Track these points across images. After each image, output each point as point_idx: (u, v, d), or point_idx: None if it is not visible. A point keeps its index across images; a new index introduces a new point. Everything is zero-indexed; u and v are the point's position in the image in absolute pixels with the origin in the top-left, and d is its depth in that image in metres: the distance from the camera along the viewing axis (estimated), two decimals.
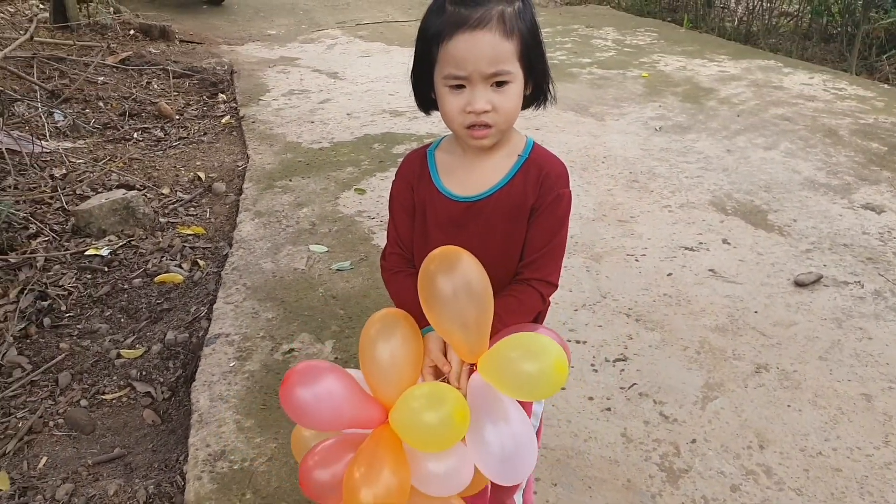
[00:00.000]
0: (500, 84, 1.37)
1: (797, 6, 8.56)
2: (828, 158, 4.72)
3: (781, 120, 5.40)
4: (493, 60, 1.34)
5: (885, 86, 6.34)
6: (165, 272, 3.48)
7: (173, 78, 6.24)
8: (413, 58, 1.47)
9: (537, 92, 1.49)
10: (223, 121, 5.50)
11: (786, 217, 3.97)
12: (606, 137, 5.05)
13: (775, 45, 7.78)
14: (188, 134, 5.24)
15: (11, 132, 4.42)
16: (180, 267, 3.54)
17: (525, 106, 1.50)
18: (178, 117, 5.49)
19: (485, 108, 1.37)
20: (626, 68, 6.71)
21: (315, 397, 1.34)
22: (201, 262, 3.58)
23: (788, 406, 2.61)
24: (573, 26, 8.19)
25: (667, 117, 5.46)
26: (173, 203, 4.18)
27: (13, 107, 5.04)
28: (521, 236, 1.51)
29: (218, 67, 6.61)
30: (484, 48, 1.33)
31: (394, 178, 1.59)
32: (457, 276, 1.32)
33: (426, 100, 1.51)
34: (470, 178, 1.50)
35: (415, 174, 1.54)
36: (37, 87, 5.35)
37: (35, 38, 6.10)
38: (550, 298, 1.61)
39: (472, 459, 1.37)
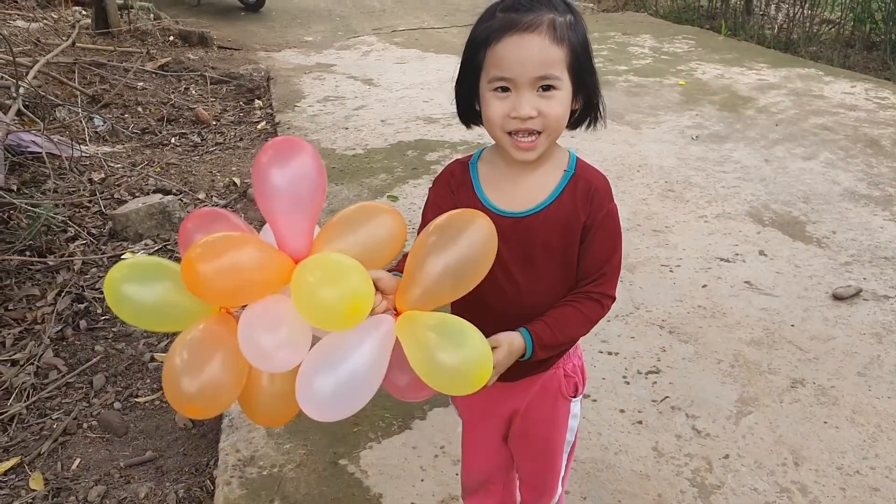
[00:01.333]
0: (546, 89, 1.34)
1: (839, 13, 8.43)
2: (869, 169, 4.63)
3: (821, 129, 5.31)
4: (541, 64, 1.32)
5: None
6: None
7: (211, 84, 6.31)
8: (458, 66, 1.45)
9: (587, 109, 1.45)
10: (259, 127, 5.55)
11: (825, 229, 3.90)
12: (642, 146, 5.01)
13: (816, 54, 7.66)
14: (224, 139, 5.29)
15: (52, 136, 4.50)
16: None
17: (574, 125, 1.47)
18: (214, 123, 5.55)
19: (530, 113, 1.34)
20: (663, 76, 6.65)
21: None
22: None
23: (825, 422, 2.55)
24: (610, 33, 8.14)
25: (704, 126, 5.40)
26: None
27: (54, 111, 5.13)
28: (571, 253, 1.47)
29: (255, 74, 6.67)
30: (532, 51, 1.31)
31: (432, 185, 1.56)
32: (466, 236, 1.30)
33: (469, 111, 1.48)
34: (515, 193, 1.46)
35: (456, 184, 1.50)
36: (78, 93, 5.45)
37: (77, 44, 6.21)
38: None
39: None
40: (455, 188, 1.50)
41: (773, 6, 9.16)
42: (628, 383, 2.74)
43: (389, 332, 1.27)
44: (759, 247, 3.73)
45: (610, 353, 2.90)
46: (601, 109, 1.47)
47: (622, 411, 2.60)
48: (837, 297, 3.30)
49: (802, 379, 2.78)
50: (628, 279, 3.40)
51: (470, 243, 1.28)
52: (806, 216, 4.04)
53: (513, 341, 1.39)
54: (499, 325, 1.49)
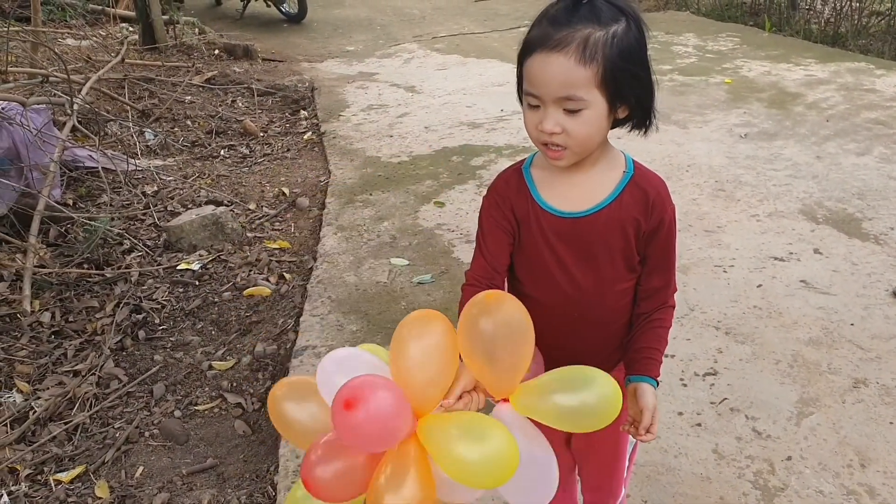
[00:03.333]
0: (571, 109, 1.33)
1: (889, 5, 8.24)
2: None
3: (874, 124, 5.20)
4: (563, 85, 1.30)
5: None
6: (254, 285, 3.56)
7: (257, 96, 6.40)
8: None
9: (635, 115, 1.42)
10: (305, 137, 5.61)
11: (882, 225, 3.82)
12: (690, 145, 4.96)
13: (865, 47, 7.50)
14: (272, 150, 5.36)
15: (106, 151, 4.60)
16: (268, 280, 3.62)
17: (631, 129, 1.46)
18: (262, 134, 5.63)
19: (553, 129, 1.33)
20: (709, 74, 6.58)
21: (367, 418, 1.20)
22: (287, 276, 3.65)
23: (891, 423, 2.50)
24: (652, 33, 7.97)
25: (752, 124, 5.32)
26: (259, 218, 4.28)
27: (107, 127, 5.25)
28: (631, 255, 1.48)
29: (299, 85, 6.75)
30: (555, 72, 1.29)
31: (486, 194, 1.56)
32: (498, 316, 1.29)
33: None
34: (573, 193, 1.46)
35: (512, 191, 1.50)
36: (128, 108, 5.57)
37: (126, 61, 6.34)
38: None
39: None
40: (513, 200, 1.50)
41: (818, 0, 9.00)
42: (686, 385, 2.71)
43: (516, 416, 1.33)
44: (814, 245, 3.66)
45: (666, 356, 2.85)
46: (652, 116, 1.44)
47: (680, 414, 2.57)
48: None
49: (865, 379, 2.72)
50: (682, 281, 3.37)
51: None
52: (861, 213, 3.96)
53: (646, 393, 1.47)
54: (562, 329, 1.49)
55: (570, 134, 1.33)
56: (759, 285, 3.35)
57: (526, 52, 1.35)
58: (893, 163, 4.55)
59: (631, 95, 1.37)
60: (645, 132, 1.46)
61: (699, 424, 2.52)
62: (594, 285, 1.47)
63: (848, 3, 8.25)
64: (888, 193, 4.15)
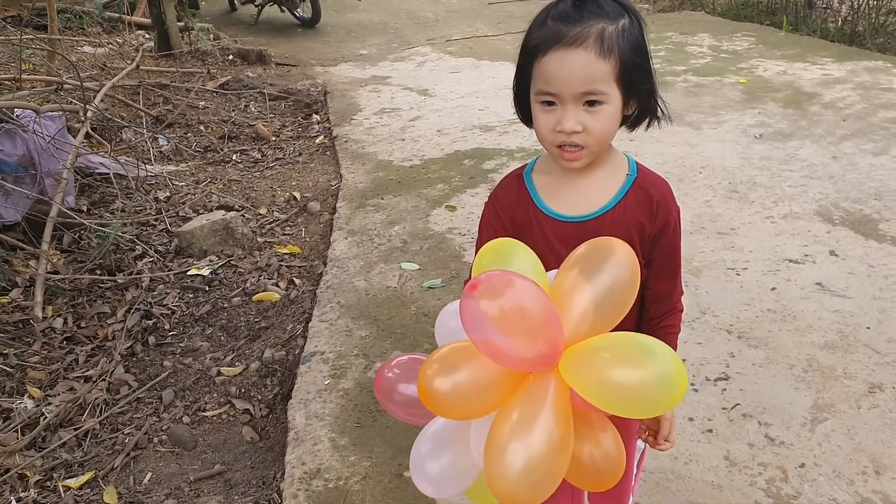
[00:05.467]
0: (591, 104, 1.31)
1: None
2: None
3: (892, 123, 5.13)
4: (586, 80, 1.29)
5: None
6: (263, 291, 3.56)
7: (270, 100, 6.42)
8: (515, 70, 1.44)
9: (643, 112, 1.43)
10: (317, 141, 5.62)
11: None
12: (704, 146, 4.91)
13: (883, 45, 7.41)
14: (284, 155, 5.37)
15: (119, 158, 4.62)
16: (277, 286, 3.62)
17: (632, 127, 1.45)
18: (274, 139, 5.64)
19: (574, 128, 1.32)
20: (723, 75, 6.52)
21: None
22: (297, 281, 3.65)
23: None
24: (667, 33, 8.01)
25: (767, 124, 5.27)
26: (270, 223, 4.28)
27: (121, 133, 5.27)
28: (637, 256, 1.46)
29: (312, 89, 6.76)
30: (576, 67, 1.28)
31: (487, 202, 1.55)
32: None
33: (527, 113, 1.47)
34: (576, 198, 1.45)
35: (512, 199, 1.49)
36: (142, 114, 5.59)
37: (141, 67, 6.38)
38: None
39: None
40: (513, 209, 1.49)
41: None
42: (697, 390, 2.68)
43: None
44: (830, 247, 3.61)
45: None
46: (661, 109, 1.44)
47: (691, 420, 2.53)
48: None
49: (881, 384, 2.68)
50: (693, 283, 3.33)
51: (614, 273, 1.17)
52: (879, 214, 3.90)
53: None
54: None
55: (590, 131, 1.32)
56: (774, 288, 3.30)
57: (536, 52, 1.32)
58: None
59: (642, 89, 1.37)
60: (658, 124, 1.45)
61: (710, 430, 2.48)
62: None
63: (865, 1, 8.15)
64: None
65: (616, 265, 1.17)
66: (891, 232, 3.71)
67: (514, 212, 1.47)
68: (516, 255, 1.23)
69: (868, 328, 3.00)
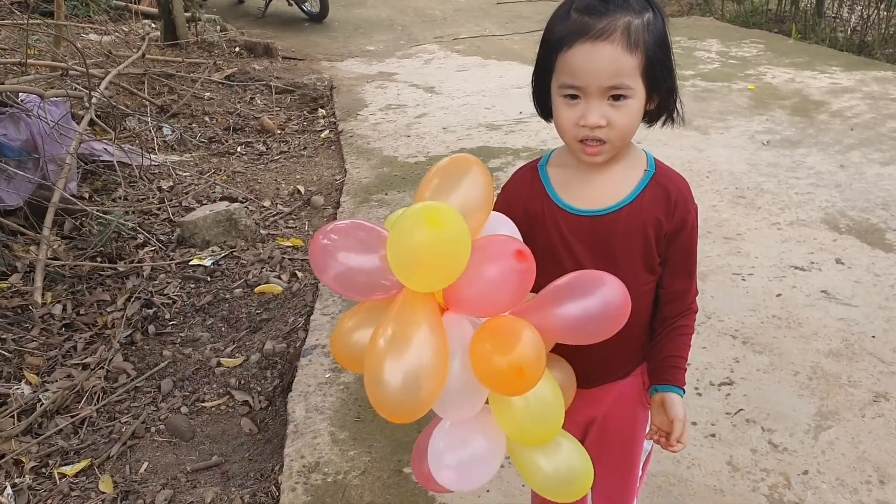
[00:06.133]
0: (616, 98, 1.30)
1: None
2: None
3: None
4: (613, 74, 1.27)
5: None
6: (265, 283, 3.54)
7: (275, 94, 6.39)
8: (535, 63, 1.41)
9: (662, 109, 1.41)
10: (322, 135, 5.60)
11: None
12: (711, 151, 4.89)
13: (893, 56, 7.39)
14: (289, 148, 5.35)
15: (123, 146, 4.59)
16: (279, 278, 3.60)
17: (650, 123, 1.43)
18: (279, 132, 5.62)
19: (599, 122, 1.30)
20: (731, 80, 6.50)
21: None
22: (300, 274, 3.63)
23: None
24: (675, 38, 7.88)
25: (775, 131, 5.24)
26: (274, 215, 4.26)
27: (125, 121, 5.25)
28: (651, 255, 1.45)
29: (318, 83, 6.74)
30: (603, 61, 1.26)
31: (499, 193, 1.53)
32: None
33: (546, 107, 1.44)
34: (592, 192, 1.42)
35: (526, 191, 1.46)
36: (147, 103, 5.57)
37: (146, 56, 6.35)
38: None
39: None
40: (526, 201, 1.46)
41: (845, 8, 8.88)
42: (700, 395, 2.66)
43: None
44: (836, 255, 3.59)
45: None
46: (679, 108, 1.42)
47: (695, 424, 2.51)
48: None
49: (886, 393, 2.66)
50: (700, 288, 3.28)
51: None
52: (885, 223, 3.88)
53: (675, 404, 1.45)
54: None
55: (614, 126, 1.31)
56: (779, 294, 3.28)
57: (560, 45, 1.30)
58: None
59: (664, 86, 1.36)
60: (673, 123, 1.45)
61: (713, 435, 2.46)
62: None
63: (875, 11, 8.13)
64: None
65: (473, 183, 1.24)
66: None
67: (527, 204, 1.45)
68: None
69: (873, 337, 2.98)
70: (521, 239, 1.28)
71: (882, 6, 8.10)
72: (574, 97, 1.31)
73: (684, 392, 1.47)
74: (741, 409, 2.58)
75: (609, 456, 1.65)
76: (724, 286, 3.34)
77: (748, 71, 6.80)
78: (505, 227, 1.33)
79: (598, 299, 1.21)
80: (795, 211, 4.04)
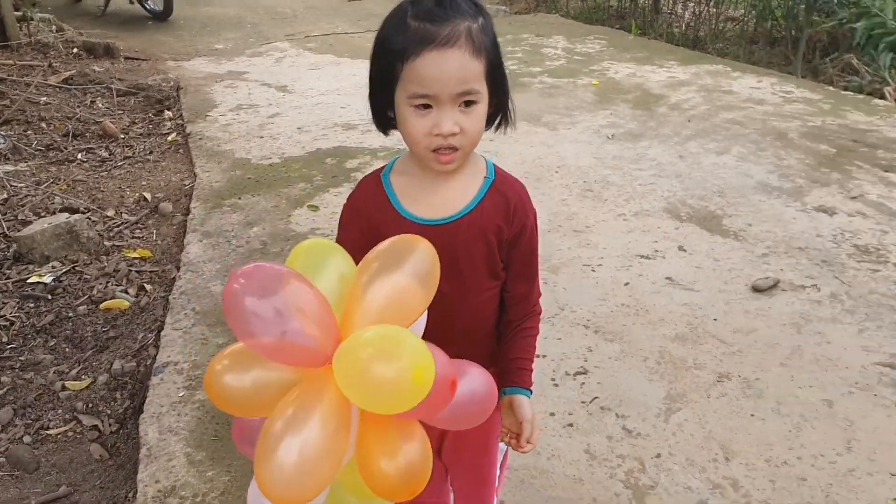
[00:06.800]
0: (468, 104, 1.31)
1: (742, 11, 8.67)
2: (779, 161, 4.76)
3: (732, 124, 5.44)
4: (463, 80, 1.28)
5: (830, 88, 6.43)
6: (111, 298, 3.36)
7: (118, 96, 6.08)
8: (370, 75, 1.39)
9: (497, 112, 1.43)
10: (169, 138, 5.37)
11: (740, 222, 3.98)
12: (559, 147, 5.04)
13: (723, 50, 7.87)
14: (133, 153, 5.10)
15: None
16: (126, 293, 3.42)
17: (487, 126, 1.45)
18: (123, 136, 5.34)
19: (453, 129, 1.30)
20: (577, 76, 6.72)
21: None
22: (148, 287, 3.47)
23: (752, 415, 2.59)
24: (523, 35, 8.18)
25: (618, 125, 5.47)
26: (119, 225, 4.05)
27: None
28: (495, 261, 1.47)
29: (164, 84, 6.47)
30: (454, 67, 1.26)
31: (345, 203, 1.51)
32: None
33: (384, 119, 1.43)
34: (435, 201, 1.43)
35: (370, 201, 1.45)
36: None
37: None
38: None
39: None
40: (371, 212, 1.45)
41: (679, 5, 9.38)
42: (557, 385, 2.73)
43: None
44: (678, 242, 3.78)
45: (537, 356, 2.86)
46: (511, 111, 1.45)
47: (552, 414, 2.58)
48: (757, 290, 3.36)
49: (728, 373, 2.82)
50: (552, 280, 3.40)
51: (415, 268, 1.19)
52: (722, 210, 4.12)
53: (523, 405, 1.49)
54: (427, 337, 1.45)
55: (466, 132, 1.32)
56: (627, 283, 3.42)
57: (405, 55, 1.28)
58: (750, 162, 4.77)
59: (501, 88, 1.38)
60: (505, 128, 1.47)
61: (571, 425, 2.54)
62: (458, 293, 1.44)
63: (706, 8, 8.63)
64: (745, 191, 4.34)
65: (419, 260, 1.19)
66: (733, 227, 3.92)
67: (371, 214, 1.44)
68: (330, 259, 1.22)
69: (715, 320, 3.16)
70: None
71: (712, 3, 8.62)
72: (426, 106, 1.30)
73: (531, 393, 1.51)
74: (596, 398, 2.67)
75: (466, 457, 1.67)
76: (576, 278, 3.45)
77: (593, 67, 7.05)
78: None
79: (463, 387, 1.21)
80: (640, 202, 4.22)
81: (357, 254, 1.36)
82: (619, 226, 3.95)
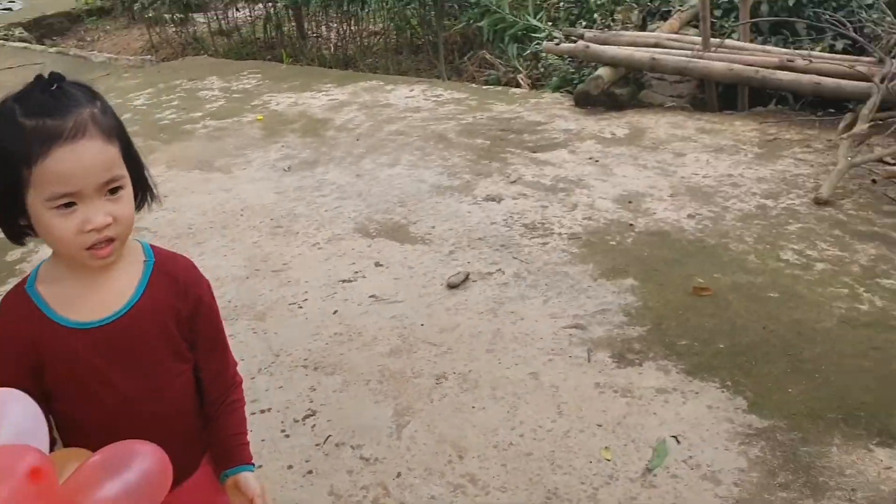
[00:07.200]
0: (114, 191, 1.24)
1: (381, 24, 9.12)
2: (445, 162, 5.08)
3: (397, 135, 5.70)
4: (105, 168, 1.21)
5: (473, 85, 6.99)
6: None
7: None
8: None
9: (137, 189, 1.36)
10: None
11: (425, 226, 4.19)
12: (239, 189, 4.95)
13: (373, 65, 8.23)
14: None
15: None
16: None
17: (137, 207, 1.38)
18: None
19: (106, 221, 1.22)
20: (240, 114, 6.64)
21: None
22: None
23: (473, 407, 2.74)
24: (175, 81, 7.91)
25: (292, 156, 5.49)
26: None
27: None
28: (177, 343, 1.40)
29: None
30: (92, 158, 1.19)
31: None
32: None
33: (17, 229, 1.30)
34: (96, 300, 1.32)
35: (22, 321, 1.30)
36: None
37: None
38: None
39: None
40: (21, 326, 1.31)
41: (323, 27, 9.63)
42: (289, 436, 2.69)
43: None
44: (374, 259, 3.89)
45: (263, 411, 2.82)
46: (152, 187, 1.40)
47: (290, 467, 2.54)
48: (451, 286, 3.57)
49: (444, 373, 2.96)
50: (261, 328, 3.34)
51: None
52: (406, 219, 4.31)
53: (249, 481, 1.44)
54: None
55: (120, 219, 1.25)
56: (335, 311, 3.46)
57: (29, 157, 1.17)
58: (420, 168, 5.03)
59: (138, 165, 1.34)
60: (152, 202, 1.42)
61: (311, 472, 2.51)
62: (147, 391, 1.36)
63: (348, 27, 8.96)
64: (422, 196, 4.58)
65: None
66: (419, 233, 4.12)
67: (27, 335, 1.30)
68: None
69: (422, 325, 3.30)
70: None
71: (352, 21, 8.97)
72: (69, 205, 1.21)
73: (254, 466, 1.47)
74: (329, 436, 2.67)
75: None
76: (284, 318, 3.43)
77: (254, 102, 7.01)
78: (15, 404, 1.15)
79: (135, 472, 1.13)
80: (330, 227, 4.29)
81: (22, 385, 1.22)
82: (315, 256, 3.98)
